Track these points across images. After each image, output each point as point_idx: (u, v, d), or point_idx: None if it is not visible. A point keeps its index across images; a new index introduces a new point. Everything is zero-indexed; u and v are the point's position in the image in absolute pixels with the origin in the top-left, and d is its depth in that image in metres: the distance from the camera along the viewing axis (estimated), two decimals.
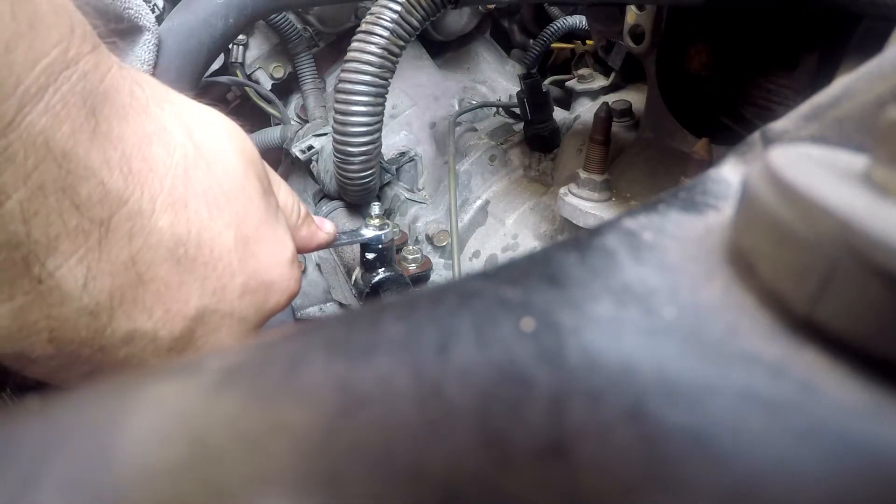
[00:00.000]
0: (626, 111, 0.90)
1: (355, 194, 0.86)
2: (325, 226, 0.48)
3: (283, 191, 0.41)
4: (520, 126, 1.09)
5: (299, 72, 1.13)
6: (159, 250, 0.28)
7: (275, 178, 0.39)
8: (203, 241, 0.30)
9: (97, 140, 0.26)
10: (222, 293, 0.31)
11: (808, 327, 0.14)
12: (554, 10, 1.29)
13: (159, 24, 0.68)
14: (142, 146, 0.28)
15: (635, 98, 0.93)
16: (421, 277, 0.92)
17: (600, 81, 1.03)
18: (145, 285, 0.28)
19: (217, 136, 0.32)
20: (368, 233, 0.66)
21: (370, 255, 0.69)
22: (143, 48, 0.64)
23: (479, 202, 1.00)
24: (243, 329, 0.34)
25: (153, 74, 0.66)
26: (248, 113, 1.19)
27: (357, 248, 0.73)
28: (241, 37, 1.10)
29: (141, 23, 0.62)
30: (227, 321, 0.32)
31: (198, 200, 0.30)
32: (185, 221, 0.29)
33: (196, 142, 0.30)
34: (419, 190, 1.07)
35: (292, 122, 1.13)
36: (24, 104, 0.23)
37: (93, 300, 0.27)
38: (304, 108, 1.15)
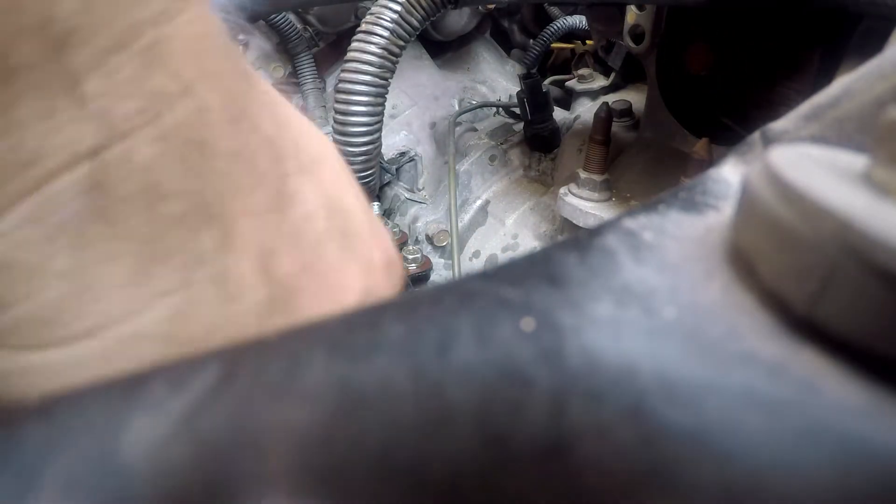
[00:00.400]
0: (626, 111, 0.90)
1: None
2: None
3: None
4: (520, 126, 1.09)
5: (299, 72, 1.14)
6: (316, 222, 0.25)
7: None
8: (345, 207, 0.28)
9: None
10: (356, 266, 0.27)
11: (808, 327, 0.14)
12: (554, 10, 1.29)
13: None
14: (281, 107, 0.25)
15: (635, 98, 0.93)
16: (421, 277, 0.92)
17: (600, 81, 1.03)
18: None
19: (312, 129, 0.29)
20: None
21: None
22: None
23: (479, 202, 1.00)
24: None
25: None
26: None
27: None
28: (241, 36, 1.10)
29: None
30: None
31: (334, 164, 0.28)
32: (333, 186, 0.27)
33: (312, 143, 0.28)
34: (419, 190, 1.07)
35: None
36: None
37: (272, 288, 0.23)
38: (303, 107, 1.15)
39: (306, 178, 0.25)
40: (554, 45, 1.30)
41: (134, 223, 0.19)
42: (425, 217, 1.02)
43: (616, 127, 0.85)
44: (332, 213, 0.26)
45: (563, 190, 0.77)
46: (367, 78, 0.71)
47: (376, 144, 0.78)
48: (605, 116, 0.73)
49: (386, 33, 0.69)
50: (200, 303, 0.20)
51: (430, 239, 0.99)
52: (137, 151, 0.19)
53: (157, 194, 0.19)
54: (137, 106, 0.18)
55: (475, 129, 1.12)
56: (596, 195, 0.73)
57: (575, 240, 0.18)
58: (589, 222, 0.73)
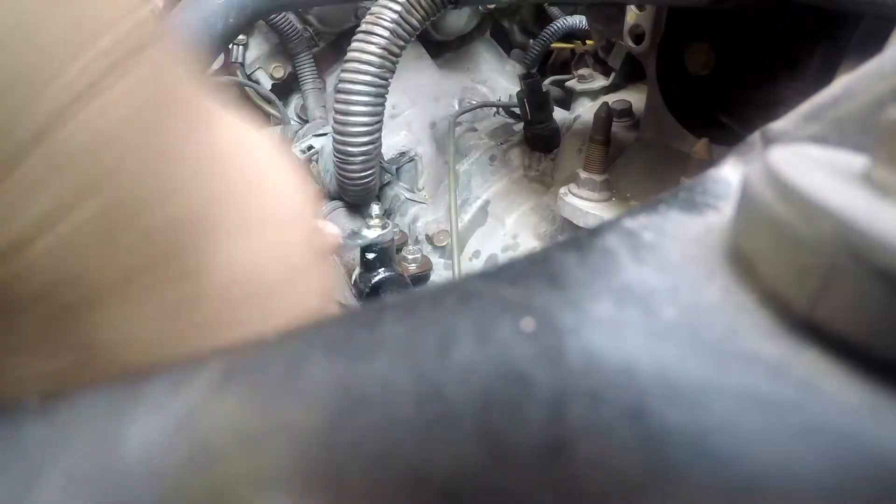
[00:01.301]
0: (626, 111, 0.90)
1: (355, 194, 0.86)
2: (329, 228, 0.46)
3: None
4: (520, 126, 1.09)
5: (299, 72, 1.14)
6: (213, 281, 0.25)
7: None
8: (251, 275, 0.27)
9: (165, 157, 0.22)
10: (257, 326, 0.29)
11: (808, 327, 0.14)
12: (554, 11, 1.29)
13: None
14: (203, 160, 0.25)
15: (635, 98, 0.93)
16: (421, 277, 0.92)
17: (600, 81, 1.03)
18: (201, 308, 0.26)
19: (274, 165, 0.30)
20: (371, 234, 0.66)
21: (370, 255, 0.69)
22: None
23: (479, 202, 1.00)
24: None
25: None
26: (248, 113, 1.19)
27: (357, 248, 0.73)
28: (241, 37, 1.10)
29: None
30: None
31: (257, 225, 0.28)
32: (244, 246, 0.26)
33: (254, 162, 0.29)
34: (419, 190, 1.07)
35: (292, 122, 1.13)
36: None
37: (154, 321, 0.24)
38: (304, 108, 1.16)
39: (231, 246, 0.25)
40: (554, 45, 1.30)
41: (31, 317, 0.20)
42: (425, 217, 1.02)
43: (616, 127, 0.85)
44: (250, 286, 0.26)
45: (563, 190, 0.77)
46: (367, 78, 0.71)
47: (376, 144, 0.78)
48: (605, 116, 0.73)
49: (386, 33, 0.69)
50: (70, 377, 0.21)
51: (430, 239, 0.99)
52: (36, 260, 0.19)
53: (53, 291, 0.20)
54: (38, 212, 0.18)
55: (475, 129, 1.12)
56: (596, 195, 0.73)
57: (575, 240, 0.18)
58: (589, 222, 0.73)
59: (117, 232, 0.20)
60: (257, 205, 0.27)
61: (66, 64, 0.18)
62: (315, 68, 1.14)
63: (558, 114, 1.08)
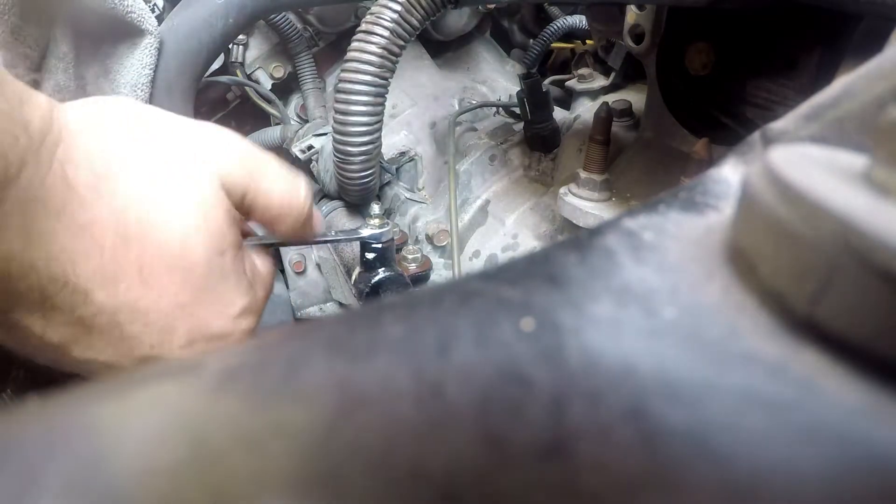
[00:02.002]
0: (626, 111, 0.90)
1: (355, 194, 0.86)
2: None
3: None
4: (520, 126, 1.09)
5: (299, 72, 1.13)
6: (100, 316, 0.34)
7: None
8: (138, 308, 0.34)
9: (32, 242, 0.30)
10: (163, 345, 0.36)
11: (808, 327, 0.14)
12: (554, 10, 1.28)
13: (159, 24, 0.68)
14: (75, 238, 0.32)
15: (635, 98, 0.92)
16: (421, 277, 0.92)
17: (600, 81, 1.03)
18: (94, 336, 0.34)
19: (157, 213, 0.35)
20: (367, 231, 0.66)
21: (370, 255, 0.69)
22: (144, 52, 0.64)
23: (479, 202, 1.00)
24: None
25: (154, 77, 0.66)
26: (248, 113, 1.19)
27: (357, 247, 0.73)
28: (241, 36, 1.10)
29: (143, 27, 0.62)
30: None
31: (131, 276, 0.34)
32: (117, 294, 0.34)
33: (128, 223, 0.34)
34: (419, 190, 1.07)
35: (292, 122, 1.13)
36: None
37: (53, 339, 0.33)
38: (304, 107, 1.15)
39: (84, 297, 0.34)
40: (554, 44, 1.30)
41: None
42: (425, 217, 1.02)
43: (616, 127, 0.84)
44: (113, 312, 0.35)
45: (563, 190, 0.77)
46: (367, 78, 0.71)
47: (376, 144, 0.78)
48: (605, 116, 0.73)
49: (386, 33, 0.69)
50: None
51: (430, 239, 0.99)
52: None
53: None
54: None
55: (475, 129, 1.12)
56: (596, 195, 0.73)
57: (575, 240, 0.18)
58: (589, 222, 0.73)
59: (12, 283, 0.31)
60: (131, 259, 0.34)
61: None
62: (315, 68, 1.14)
63: (558, 113, 1.08)
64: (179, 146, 0.37)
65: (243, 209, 0.41)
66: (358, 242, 0.69)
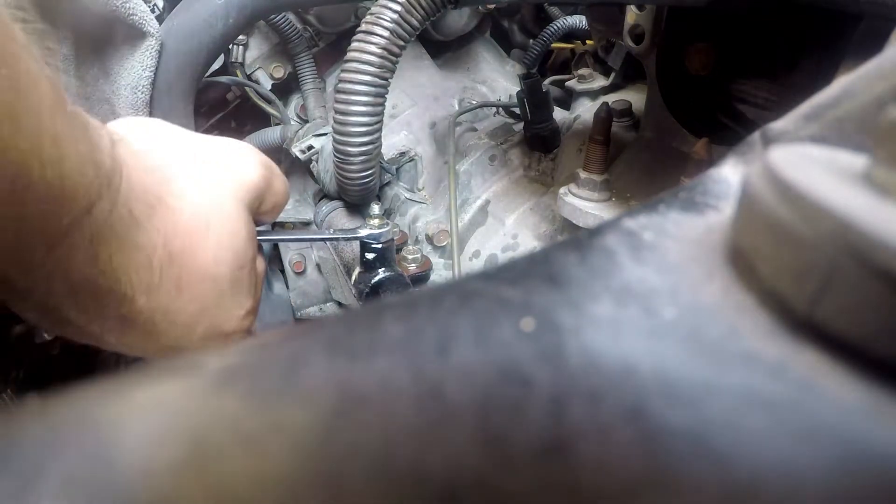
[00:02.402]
0: (626, 111, 0.90)
1: (355, 194, 0.86)
2: None
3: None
4: (520, 126, 1.09)
5: (299, 72, 1.13)
6: (139, 315, 0.41)
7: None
8: (170, 310, 0.42)
9: (97, 263, 0.36)
10: (186, 339, 0.44)
11: (808, 327, 0.14)
12: (554, 10, 1.28)
13: (159, 25, 0.68)
14: (131, 257, 0.39)
15: (635, 98, 0.93)
16: (421, 277, 0.92)
17: (600, 81, 1.03)
18: (129, 329, 0.41)
19: (197, 236, 0.43)
20: (365, 231, 0.66)
21: (370, 255, 0.69)
22: (145, 53, 0.64)
23: (479, 202, 1.00)
24: None
25: (154, 77, 0.66)
26: (248, 113, 1.19)
27: (357, 247, 0.73)
28: (240, 37, 1.10)
29: (145, 29, 0.62)
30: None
31: (170, 286, 0.42)
32: (157, 300, 0.41)
33: (174, 245, 0.41)
34: (419, 190, 1.07)
35: (292, 122, 1.13)
36: (55, 245, 0.33)
37: (94, 330, 0.40)
38: (303, 108, 1.15)
39: (131, 304, 0.41)
40: (554, 45, 1.30)
41: None
42: (425, 217, 1.02)
43: (616, 127, 0.84)
44: (151, 312, 0.43)
45: (563, 190, 0.77)
46: (367, 78, 0.71)
47: (376, 144, 0.78)
48: (605, 116, 0.73)
49: (386, 33, 0.69)
50: None
51: (430, 239, 0.99)
52: None
53: None
54: None
55: (475, 129, 1.12)
56: (596, 195, 0.73)
57: (575, 240, 0.18)
58: (589, 222, 0.73)
59: (77, 299, 0.37)
60: (171, 274, 0.41)
61: None
62: (315, 68, 1.14)
63: (558, 114, 1.08)
64: (211, 169, 0.45)
65: (258, 215, 0.49)
66: (358, 242, 0.69)
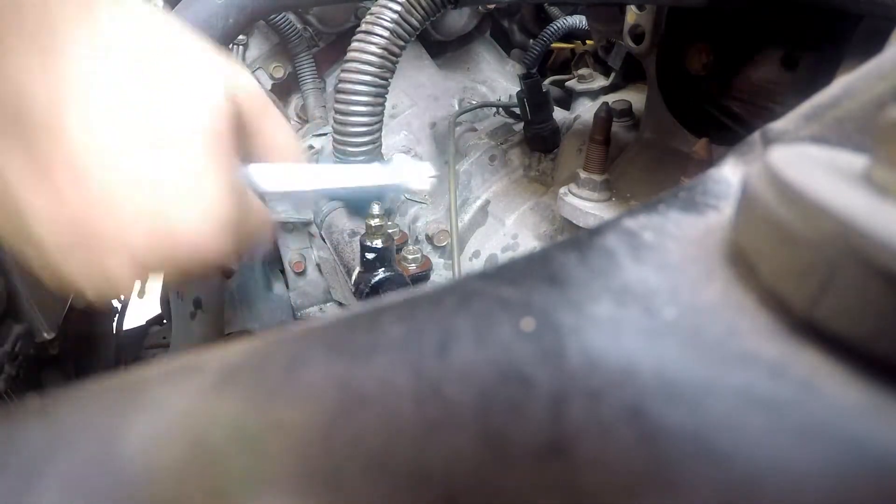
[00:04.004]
0: (626, 111, 0.90)
1: None
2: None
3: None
4: (520, 126, 1.09)
5: (299, 72, 1.13)
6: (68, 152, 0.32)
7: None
8: (112, 162, 0.32)
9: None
10: (117, 219, 0.33)
11: (808, 327, 0.14)
12: (554, 10, 1.28)
13: None
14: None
15: (635, 98, 0.92)
16: (421, 277, 0.92)
17: (600, 81, 1.03)
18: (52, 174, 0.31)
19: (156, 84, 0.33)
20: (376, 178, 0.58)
21: (370, 255, 0.69)
22: None
23: (479, 202, 1.00)
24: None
25: None
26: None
27: (357, 247, 0.73)
28: (241, 37, 1.10)
29: None
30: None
31: (116, 128, 0.32)
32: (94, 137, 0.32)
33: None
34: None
35: (292, 122, 1.13)
36: None
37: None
38: (303, 108, 1.15)
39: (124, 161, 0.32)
40: (554, 45, 1.30)
41: None
42: (425, 217, 1.02)
43: (616, 127, 0.84)
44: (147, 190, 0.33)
45: (563, 190, 0.77)
46: (368, 78, 0.71)
47: (376, 144, 0.78)
48: (605, 116, 0.73)
49: (386, 33, 0.69)
50: None
51: (430, 239, 0.99)
52: None
53: None
54: None
55: (475, 129, 1.12)
56: (596, 195, 0.73)
57: (575, 240, 0.18)
58: (589, 222, 0.73)
59: None
60: (151, 128, 0.32)
61: None
62: (315, 68, 1.14)
63: (558, 114, 1.08)
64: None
65: (243, 136, 0.38)
66: (358, 244, 0.69)
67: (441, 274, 0.97)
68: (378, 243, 0.69)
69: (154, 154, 0.32)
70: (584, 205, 0.73)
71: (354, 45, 0.71)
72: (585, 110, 1.02)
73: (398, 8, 0.69)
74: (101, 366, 1.05)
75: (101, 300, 0.35)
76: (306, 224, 1.03)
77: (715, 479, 0.11)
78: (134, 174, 0.32)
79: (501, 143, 1.06)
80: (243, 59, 1.12)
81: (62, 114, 0.30)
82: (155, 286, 1.10)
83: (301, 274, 1.06)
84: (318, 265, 1.03)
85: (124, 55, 0.32)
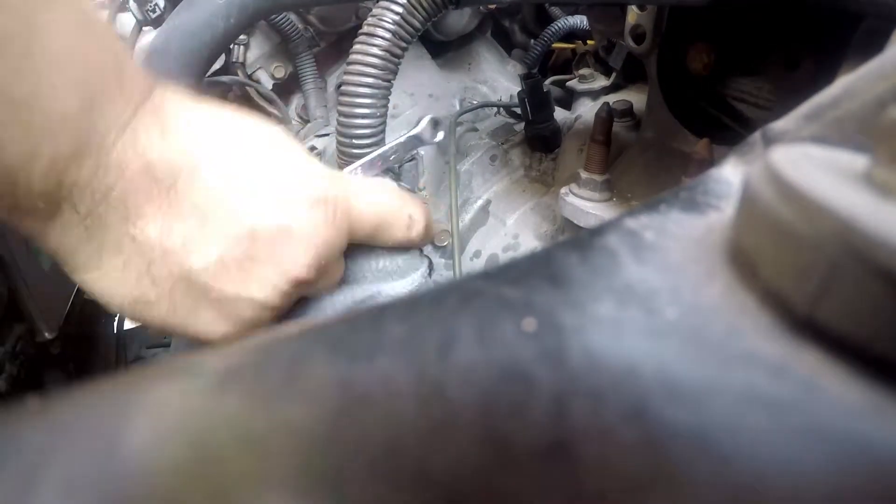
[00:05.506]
0: (627, 111, 0.90)
1: None
2: None
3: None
4: (521, 126, 1.09)
5: (300, 72, 1.13)
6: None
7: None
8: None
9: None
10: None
11: (809, 327, 0.14)
12: (555, 11, 1.28)
13: (160, 24, 0.68)
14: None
15: (636, 98, 0.92)
16: None
17: (601, 81, 1.03)
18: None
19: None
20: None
21: None
22: None
23: (479, 202, 1.00)
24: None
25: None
26: (249, 113, 1.19)
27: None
28: (242, 36, 1.10)
29: None
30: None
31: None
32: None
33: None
34: (420, 190, 1.07)
35: (293, 123, 1.13)
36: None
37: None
38: (304, 108, 1.15)
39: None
40: (555, 45, 1.30)
41: None
42: None
43: (617, 127, 0.84)
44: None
45: (564, 190, 0.77)
46: (370, 80, 0.71)
47: (380, 146, 0.78)
48: (606, 116, 0.73)
49: (388, 35, 0.69)
50: None
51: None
52: None
53: None
54: None
55: (476, 129, 1.11)
56: (597, 195, 0.73)
57: (576, 240, 0.18)
58: (590, 222, 0.73)
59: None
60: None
61: None
62: (316, 68, 1.14)
63: (559, 114, 1.08)
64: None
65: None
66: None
67: (441, 274, 0.97)
68: None
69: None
70: (585, 205, 0.73)
71: (357, 47, 0.71)
72: (586, 110, 1.02)
73: (400, 9, 0.69)
74: (101, 366, 1.05)
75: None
76: None
77: (717, 478, 0.11)
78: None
79: (502, 143, 1.06)
80: (244, 58, 1.13)
81: None
82: None
83: None
84: None
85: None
